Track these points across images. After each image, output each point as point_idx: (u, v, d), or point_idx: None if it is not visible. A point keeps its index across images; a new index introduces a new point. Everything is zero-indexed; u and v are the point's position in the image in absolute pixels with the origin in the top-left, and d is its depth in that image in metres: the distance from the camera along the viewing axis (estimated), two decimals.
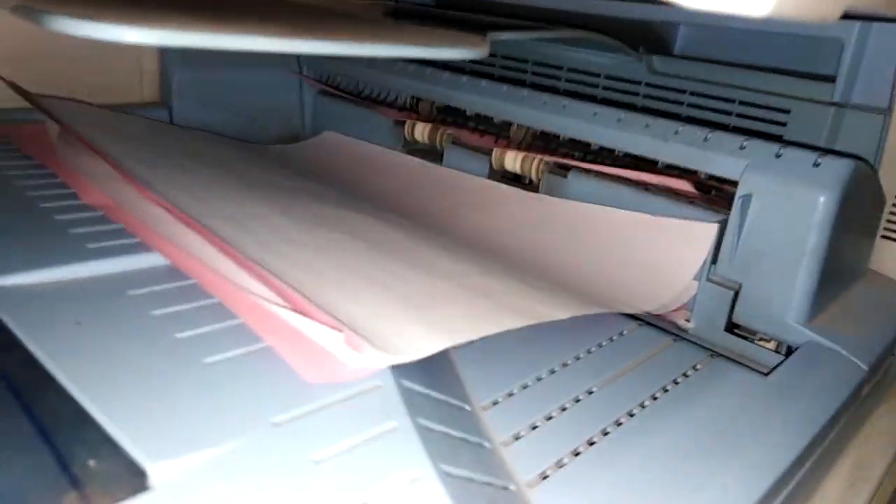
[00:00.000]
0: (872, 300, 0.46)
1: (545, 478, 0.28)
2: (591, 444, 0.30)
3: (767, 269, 0.41)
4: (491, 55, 0.41)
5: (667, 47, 0.56)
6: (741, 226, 0.42)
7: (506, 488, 0.27)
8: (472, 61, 0.63)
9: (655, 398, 0.34)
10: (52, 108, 0.52)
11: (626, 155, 0.49)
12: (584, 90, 0.59)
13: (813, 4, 0.23)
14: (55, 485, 0.23)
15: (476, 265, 0.42)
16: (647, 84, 0.55)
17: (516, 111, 0.55)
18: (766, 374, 0.37)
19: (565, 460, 0.29)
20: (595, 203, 0.49)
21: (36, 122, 0.54)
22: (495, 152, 0.55)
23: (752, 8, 0.22)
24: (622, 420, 0.32)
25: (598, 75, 0.58)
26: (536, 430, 0.31)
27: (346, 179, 0.58)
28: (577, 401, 0.33)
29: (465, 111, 0.60)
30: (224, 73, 0.67)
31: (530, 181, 0.55)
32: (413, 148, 0.63)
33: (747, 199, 0.41)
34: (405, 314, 0.34)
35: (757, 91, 0.50)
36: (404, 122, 0.62)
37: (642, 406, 0.33)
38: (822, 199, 0.39)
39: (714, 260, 0.43)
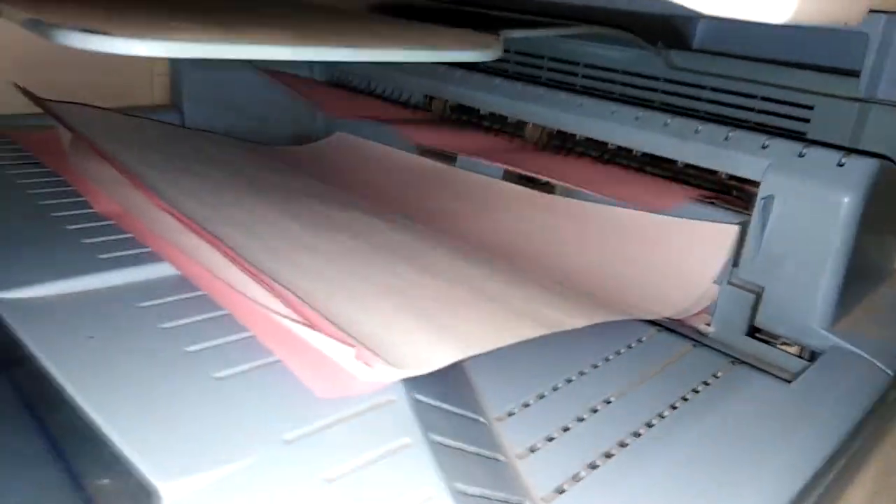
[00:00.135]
0: None
1: (562, 492, 0.27)
2: (609, 456, 0.30)
3: (790, 271, 0.40)
4: (505, 51, 0.41)
5: (685, 42, 0.55)
6: (763, 227, 0.40)
7: None
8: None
9: (675, 408, 0.33)
10: (64, 113, 0.52)
11: (645, 154, 0.48)
12: (601, 86, 0.58)
13: (833, 10, 0.22)
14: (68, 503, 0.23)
15: (490, 270, 0.41)
16: (666, 80, 0.54)
17: (531, 110, 0.54)
18: (790, 382, 0.36)
19: (582, 474, 0.28)
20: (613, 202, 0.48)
21: (48, 128, 0.54)
22: None
23: (769, 15, 0.21)
24: (641, 431, 0.31)
25: (615, 71, 0.57)
26: (552, 441, 0.30)
27: (358, 180, 0.57)
28: (595, 411, 0.33)
29: (478, 110, 0.59)
30: (235, 75, 0.67)
31: (546, 182, 0.54)
32: (426, 149, 0.63)
33: (769, 200, 0.40)
34: (418, 324, 0.33)
35: (779, 87, 0.49)
36: None
37: (661, 416, 0.32)
38: (846, 199, 0.38)
39: (735, 263, 0.42)
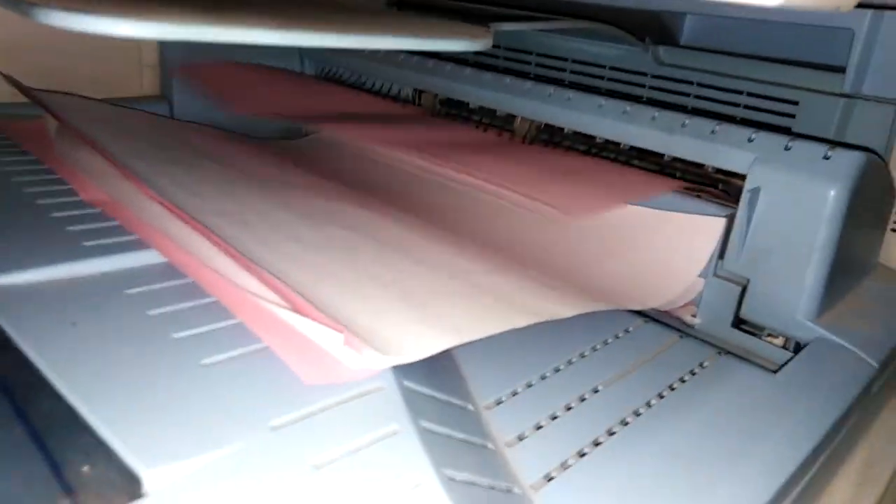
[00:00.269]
0: (882, 295, 0.45)
1: (550, 479, 0.27)
2: (597, 444, 0.30)
3: (776, 264, 0.40)
4: (494, 46, 0.41)
5: (673, 38, 0.55)
6: (749, 220, 0.41)
7: (509, 491, 0.26)
8: (475, 52, 0.62)
9: (662, 397, 0.33)
10: (50, 102, 0.51)
11: (632, 148, 0.49)
12: (588, 82, 0.58)
13: None
14: (48, 492, 0.23)
15: (480, 261, 0.41)
16: (654, 75, 0.54)
17: (520, 104, 0.54)
18: (775, 372, 0.36)
19: (570, 461, 0.29)
20: None
21: (34, 117, 0.53)
22: None
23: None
24: (628, 420, 0.31)
25: (603, 67, 0.57)
26: (541, 430, 0.30)
27: (346, 175, 0.57)
28: (583, 400, 0.33)
29: (468, 104, 0.59)
30: None
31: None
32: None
33: (755, 192, 0.41)
34: (408, 313, 0.33)
35: (765, 82, 0.49)
36: None
37: (649, 405, 0.33)
38: (832, 192, 0.38)
39: (721, 255, 0.42)
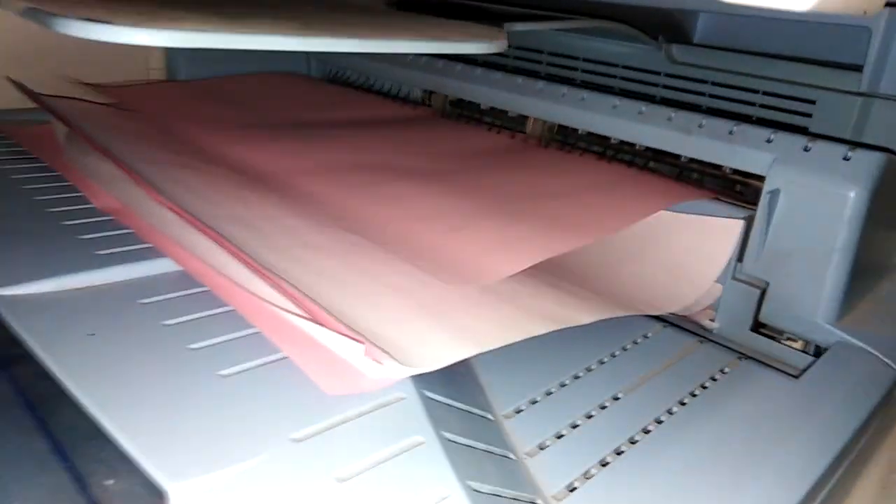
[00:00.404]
0: None
1: (573, 490, 0.27)
2: (619, 453, 0.29)
3: (795, 266, 0.40)
4: None
5: (686, 36, 0.54)
6: (768, 222, 0.40)
7: (533, 502, 0.26)
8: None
9: (684, 404, 0.33)
10: (59, 108, 0.51)
11: (648, 149, 0.48)
12: (600, 81, 0.57)
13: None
14: None
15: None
16: (667, 74, 0.54)
17: (532, 104, 0.53)
18: (797, 377, 0.36)
19: (593, 471, 0.28)
20: None
21: (43, 123, 0.53)
22: None
23: (792, 3, 0.21)
24: (650, 428, 0.31)
25: (615, 66, 0.57)
26: (562, 439, 0.30)
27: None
28: (603, 408, 0.32)
29: (478, 105, 0.58)
30: (231, 70, 0.66)
31: None
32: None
33: (775, 194, 0.40)
34: (427, 321, 0.33)
35: (781, 81, 0.48)
36: None
37: (670, 412, 0.32)
38: (852, 194, 0.38)
39: (740, 258, 0.42)
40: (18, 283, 0.33)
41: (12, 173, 0.46)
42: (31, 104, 0.53)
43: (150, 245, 0.38)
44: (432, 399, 0.29)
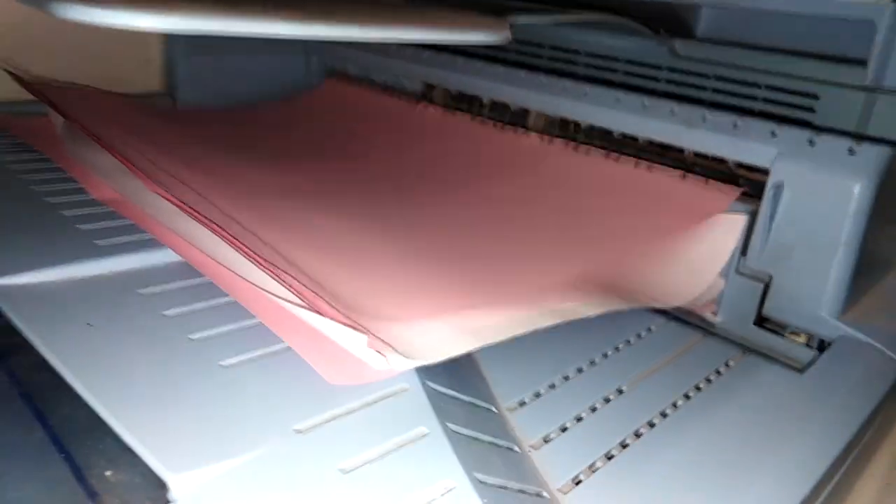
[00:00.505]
0: None
1: (578, 483, 0.27)
2: (625, 446, 0.29)
3: (799, 260, 0.40)
4: None
5: (689, 30, 0.54)
6: (772, 216, 0.40)
7: (539, 495, 0.26)
8: (487, 46, 0.61)
9: (688, 397, 0.33)
10: (55, 97, 0.51)
11: (651, 143, 0.48)
12: (602, 75, 0.57)
13: None
14: (72, 498, 0.22)
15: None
16: (669, 69, 0.54)
17: (535, 98, 0.53)
18: (801, 371, 0.36)
19: (598, 464, 0.28)
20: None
21: (41, 114, 0.52)
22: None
23: None
24: (655, 421, 0.31)
25: (617, 60, 0.56)
26: (566, 432, 0.30)
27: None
28: (608, 401, 0.32)
29: (480, 99, 0.58)
30: (230, 62, 0.65)
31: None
32: None
33: (779, 188, 0.40)
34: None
35: (784, 75, 0.48)
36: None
37: (675, 406, 0.32)
38: (857, 187, 0.38)
39: (743, 251, 0.42)
40: (17, 273, 0.33)
41: (11, 164, 0.46)
42: (28, 96, 0.52)
43: (149, 235, 0.38)
44: (436, 390, 0.29)
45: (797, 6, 0.48)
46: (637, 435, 0.30)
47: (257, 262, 0.33)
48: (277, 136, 0.54)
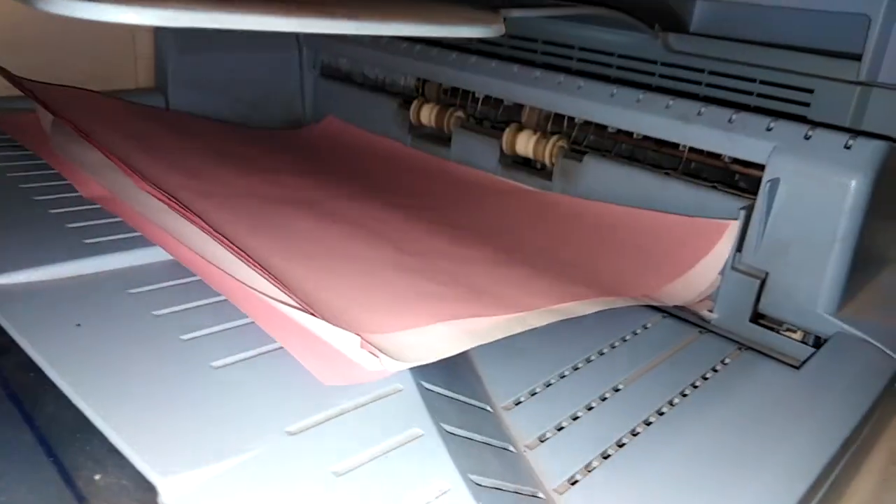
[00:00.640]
0: None
1: (574, 483, 0.27)
2: (621, 445, 0.29)
3: (795, 256, 0.39)
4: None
5: (683, 24, 0.54)
6: (768, 212, 0.40)
7: (534, 496, 0.25)
8: (480, 41, 0.60)
9: (685, 395, 0.32)
10: (44, 95, 0.50)
11: (646, 138, 0.48)
12: (596, 70, 0.57)
13: None
14: (60, 501, 0.22)
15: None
16: (663, 63, 0.53)
17: (529, 93, 0.53)
18: (798, 368, 0.35)
19: (594, 464, 0.28)
20: (612, 187, 0.47)
21: (29, 110, 0.52)
22: (506, 134, 0.53)
23: None
24: (651, 419, 0.31)
25: (611, 54, 0.56)
26: (562, 431, 0.29)
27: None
28: (604, 399, 0.32)
29: (473, 93, 0.58)
30: (221, 58, 0.64)
31: (542, 166, 0.53)
32: (420, 133, 0.61)
33: (774, 183, 0.40)
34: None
35: (779, 70, 0.48)
36: (410, 105, 0.60)
37: (672, 404, 0.32)
38: (853, 182, 0.38)
39: (739, 248, 0.41)
40: (3, 273, 0.32)
41: None
42: (15, 92, 0.51)
43: (139, 234, 0.37)
44: (430, 390, 0.29)
45: (792, 0, 0.48)
46: (634, 433, 0.30)
47: (247, 260, 0.32)
48: (268, 156, 0.53)
